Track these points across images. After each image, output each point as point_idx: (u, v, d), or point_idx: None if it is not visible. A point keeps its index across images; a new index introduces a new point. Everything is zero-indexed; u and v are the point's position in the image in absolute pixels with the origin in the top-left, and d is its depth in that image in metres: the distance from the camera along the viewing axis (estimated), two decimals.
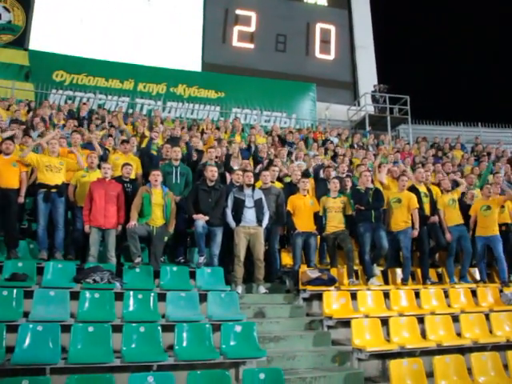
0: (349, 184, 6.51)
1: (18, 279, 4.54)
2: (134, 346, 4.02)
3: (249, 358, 4.11)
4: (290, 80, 15.36)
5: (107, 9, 14.83)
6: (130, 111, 12.65)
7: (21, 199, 5.49)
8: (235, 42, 16.23)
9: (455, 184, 7.28)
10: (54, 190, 5.46)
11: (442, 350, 4.60)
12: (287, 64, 15.95)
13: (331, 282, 5.41)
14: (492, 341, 4.97)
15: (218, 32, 16.08)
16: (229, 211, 5.59)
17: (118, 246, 5.38)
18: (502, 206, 6.54)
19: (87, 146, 7.00)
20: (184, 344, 4.13)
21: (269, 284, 5.74)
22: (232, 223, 5.54)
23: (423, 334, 4.94)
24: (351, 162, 8.79)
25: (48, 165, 5.57)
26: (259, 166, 7.43)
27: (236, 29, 16.30)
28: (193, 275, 5.31)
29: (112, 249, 5.24)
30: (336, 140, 11.35)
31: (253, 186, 5.75)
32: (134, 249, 5.10)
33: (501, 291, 6.02)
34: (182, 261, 5.73)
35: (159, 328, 4.18)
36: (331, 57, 17.03)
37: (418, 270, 6.22)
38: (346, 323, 4.89)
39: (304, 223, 5.92)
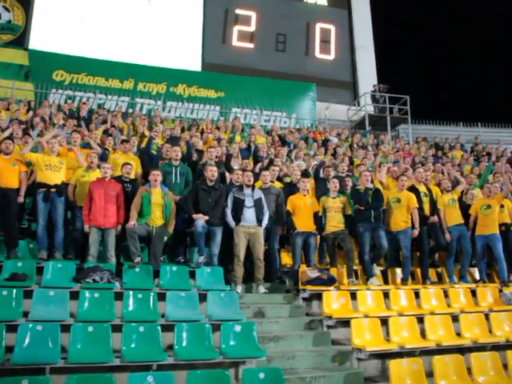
0: (349, 184, 6.51)
1: (17, 279, 4.53)
2: (133, 345, 4.02)
3: (248, 358, 4.11)
4: (290, 80, 15.37)
5: (107, 8, 14.83)
6: (130, 111, 12.63)
7: (20, 199, 5.49)
8: (235, 42, 16.23)
9: (455, 182, 7.28)
10: (53, 190, 5.46)
11: (441, 350, 4.60)
12: (287, 64, 15.96)
13: (331, 281, 5.41)
14: (491, 341, 4.97)
15: (217, 32, 16.09)
16: (228, 211, 5.59)
17: (117, 246, 5.37)
18: (502, 206, 6.54)
19: (87, 145, 7.00)
20: (184, 344, 4.13)
21: (268, 284, 5.73)
22: (232, 223, 5.54)
23: (423, 334, 4.94)
24: (351, 162, 8.79)
25: (48, 164, 5.57)
26: (259, 165, 7.42)
27: (236, 28, 16.30)
28: (192, 275, 5.31)
29: (112, 248, 5.24)
30: (336, 140, 11.35)
31: (252, 186, 5.75)
32: (133, 248, 5.10)
33: (500, 291, 6.02)
34: (182, 260, 5.73)
35: (159, 328, 4.17)
36: (331, 57, 17.04)
37: (418, 270, 6.22)
38: (345, 323, 4.89)
39: (304, 223, 5.92)
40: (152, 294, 4.69)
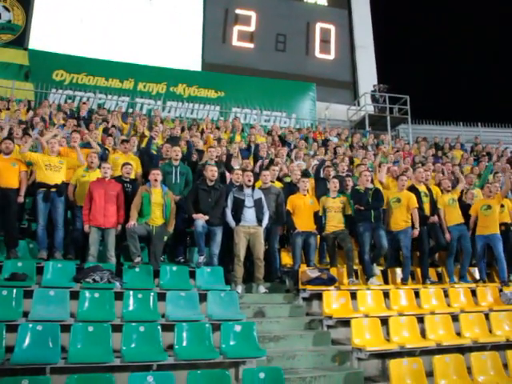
0: (350, 184, 6.50)
1: (17, 279, 4.53)
2: (133, 345, 4.02)
3: (249, 358, 4.11)
4: (290, 80, 15.36)
5: (107, 8, 14.83)
6: (130, 111, 12.63)
7: (20, 199, 5.49)
8: (235, 42, 16.23)
9: (456, 182, 7.28)
10: (53, 190, 5.46)
11: (441, 350, 4.60)
12: (287, 64, 15.95)
13: (331, 281, 5.41)
14: (492, 340, 4.97)
15: (217, 32, 16.08)
16: (228, 211, 5.59)
17: (117, 246, 5.37)
18: (502, 206, 6.54)
19: (87, 145, 7.00)
20: (184, 343, 4.13)
21: (268, 284, 5.73)
22: (232, 223, 5.54)
23: (423, 334, 4.94)
24: (351, 162, 8.79)
25: (48, 164, 5.57)
26: (259, 162, 7.40)
27: (236, 28, 16.30)
28: (192, 275, 5.31)
29: (112, 248, 5.24)
30: (336, 140, 11.35)
31: (252, 186, 5.75)
32: (133, 248, 5.10)
33: (500, 291, 6.02)
34: (182, 260, 5.73)
35: (159, 327, 4.17)
36: (331, 56, 17.03)
37: (418, 270, 6.22)
38: (345, 323, 4.89)
39: (304, 223, 5.92)
40: (152, 293, 4.68)
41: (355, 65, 17.10)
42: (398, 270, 6.07)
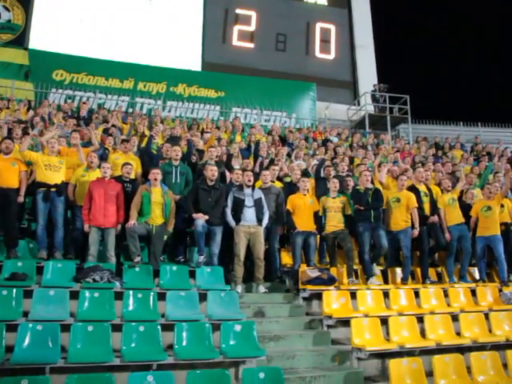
0: (351, 184, 6.50)
1: (17, 279, 4.53)
2: (133, 345, 4.02)
3: (248, 358, 4.11)
4: (290, 79, 15.36)
5: (107, 8, 14.83)
6: (130, 110, 12.63)
7: (20, 199, 5.49)
8: (235, 42, 16.23)
9: (456, 182, 7.28)
10: (53, 190, 5.46)
11: (441, 350, 4.60)
12: (287, 63, 15.95)
13: (331, 281, 5.41)
14: (491, 340, 4.97)
15: (218, 31, 16.09)
16: (228, 211, 5.59)
17: (117, 246, 5.38)
18: (502, 205, 6.54)
19: (86, 145, 7.00)
20: (184, 343, 4.13)
21: (268, 283, 5.73)
22: (232, 222, 5.54)
23: (423, 334, 4.94)
24: (351, 162, 8.78)
25: (47, 164, 5.57)
26: (259, 160, 7.39)
27: (236, 28, 16.30)
28: (192, 274, 5.31)
29: (111, 248, 5.24)
30: (336, 139, 11.35)
31: (252, 186, 5.75)
32: (133, 248, 5.10)
33: (500, 290, 6.02)
34: (182, 260, 5.73)
35: (159, 327, 4.17)
36: (331, 56, 17.03)
37: (418, 270, 6.22)
38: (345, 322, 4.90)
39: (304, 222, 5.92)
40: (152, 293, 4.69)
41: (355, 64, 17.10)
42: (398, 270, 6.07)
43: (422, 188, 6.43)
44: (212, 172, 5.66)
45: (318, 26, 17.05)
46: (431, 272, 6.29)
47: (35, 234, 5.45)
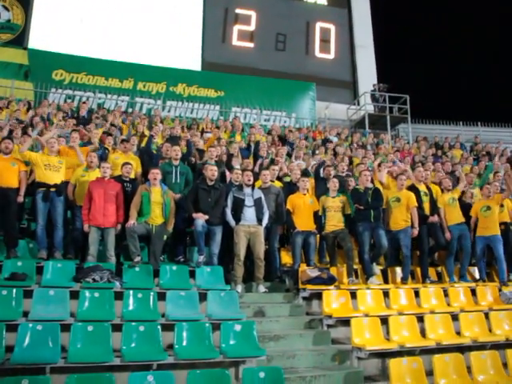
0: (352, 184, 6.50)
1: (17, 279, 4.53)
2: (133, 345, 4.02)
3: (248, 357, 4.11)
4: (290, 79, 15.36)
5: (107, 8, 14.81)
6: (130, 110, 12.63)
7: (20, 198, 5.48)
8: (235, 41, 16.22)
9: (455, 180, 7.28)
10: (52, 190, 5.45)
11: (441, 349, 4.60)
12: (287, 63, 15.95)
13: (331, 281, 5.41)
14: (491, 339, 4.98)
15: (217, 31, 16.08)
16: (228, 210, 5.59)
17: (117, 245, 5.37)
18: (502, 205, 6.54)
19: (86, 144, 7.00)
20: (184, 343, 4.13)
21: (268, 283, 5.73)
22: (232, 222, 5.54)
23: (423, 333, 4.94)
24: (351, 162, 8.78)
25: (47, 164, 5.57)
26: (259, 161, 7.40)
27: (236, 28, 16.29)
28: (192, 274, 5.31)
29: (111, 248, 5.24)
30: (336, 139, 11.35)
31: (252, 186, 5.75)
32: (133, 248, 5.10)
33: (500, 290, 6.03)
34: (182, 260, 5.72)
35: (159, 327, 4.17)
36: (331, 56, 17.03)
37: (418, 269, 6.22)
38: (345, 322, 4.90)
39: (304, 222, 5.92)
40: (152, 293, 4.68)
41: (355, 64, 17.10)
42: (398, 270, 6.07)
43: (421, 187, 6.43)
44: (212, 172, 5.66)
45: (318, 25, 17.04)
46: (431, 271, 6.29)
47: (35, 234, 5.45)
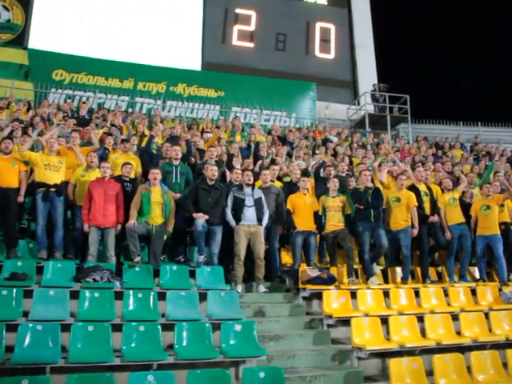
0: (353, 184, 6.50)
1: (17, 279, 4.53)
2: (133, 345, 4.02)
3: (249, 357, 4.11)
4: (290, 79, 15.35)
5: (107, 8, 14.81)
6: (130, 110, 12.63)
7: (20, 198, 5.48)
8: (235, 41, 16.22)
9: (455, 180, 7.28)
10: (52, 190, 5.45)
11: (441, 349, 4.60)
12: (287, 63, 15.95)
13: (331, 280, 5.41)
14: (491, 339, 4.98)
15: (217, 31, 16.08)
16: (228, 210, 5.59)
17: (117, 245, 5.37)
18: (502, 205, 6.54)
19: (86, 144, 7.00)
20: (184, 343, 4.13)
21: (268, 283, 5.73)
22: (232, 222, 5.54)
23: (423, 333, 4.94)
24: (351, 162, 8.78)
25: (47, 163, 5.57)
26: (259, 163, 7.41)
27: (236, 28, 16.29)
28: (192, 274, 5.31)
29: (111, 248, 5.24)
30: (336, 139, 11.35)
31: (252, 185, 5.75)
32: (133, 248, 5.10)
33: (500, 290, 6.03)
34: (182, 260, 5.72)
35: (159, 327, 4.17)
36: (331, 56, 17.03)
37: (418, 269, 6.22)
38: (345, 322, 4.90)
39: (304, 222, 5.92)
40: (152, 293, 4.69)
41: (355, 64, 17.09)
42: (398, 270, 6.07)
43: (422, 187, 6.42)
44: (212, 172, 5.66)
45: (318, 25, 17.04)
46: (431, 271, 6.29)
47: (35, 234, 5.45)
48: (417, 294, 5.63)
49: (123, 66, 13.84)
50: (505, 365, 4.50)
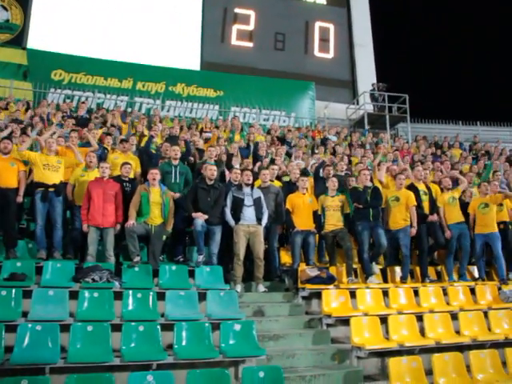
0: (353, 183, 6.50)
1: (16, 279, 4.53)
2: (133, 345, 4.02)
3: (248, 357, 4.11)
4: (289, 79, 15.36)
5: (106, 8, 14.79)
6: (129, 110, 12.62)
7: (19, 199, 5.48)
8: (234, 41, 16.21)
9: (456, 181, 7.29)
10: (51, 190, 5.45)
11: (440, 348, 4.61)
12: (286, 62, 15.94)
13: (330, 280, 5.41)
14: (490, 338, 4.98)
15: (216, 31, 16.07)
16: (228, 210, 5.59)
17: (116, 245, 5.37)
18: (501, 204, 6.55)
19: (85, 144, 6.99)
20: (183, 343, 4.14)
21: (268, 282, 5.74)
22: (231, 222, 5.54)
23: (422, 332, 4.95)
24: (350, 161, 8.79)
25: (46, 163, 5.56)
26: (258, 164, 7.42)
27: (235, 27, 16.28)
28: (192, 274, 5.31)
29: (110, 248, 5.24)
30: (335, 138, 11.36)
31: (251, 185, 5.75)
32: (132, 248, 5.10)
33: (499, 289, 6.03)
34: (181, 260, 5.72)
35: (158, 327, 4.18)
36: (330, 55, 17.02)
37: (417, 268, 6.23)
38: (345, 321, 4.90)
39: (303, 221, 5.92)
40: (151, 293, 4.69)
41: (354, 63, 17.09)
42: (398, 269, 6.07)
43: (421, 187, 6.43)
44: (211, 171, 5.66)
45: (317, 25, 17.03)
46: (430, 271, 6.29)
47: (34, 234, 5.44)
48: (416, 293, 5.63)
49: (122, 65, 13.82)
50: (504, 364, 4.51)
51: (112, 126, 8.95)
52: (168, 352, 3.99)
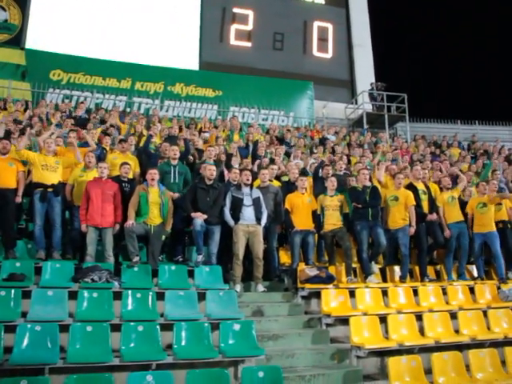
0: (353, 183, 6.50)
1: (15, 279, 4.53)
2: (132, 345, 4.02)
3: (248, 357, 4.11)
4: (288, 78, 15.34)
5: (104, 8, 14.77)
6: (128, 110, 12.60)
7: (18, 199, 5.47)
8: (232, 41, 16.19)
9: (455, 180, 7.30)
10: (50, 190, 5.44)
11: (440, 347, 4.62)
12: (285, 62, 15.94)
13: (329, 279, 5.42)
14: (490, 337, 4.99)
15: (215, 31, 16.05)
16: (227, 210, 5.59)
17: (115, 246, 5.37)
18: (500, 204, 6.55)
19: (84, 145, 6.98)
20: (183, 343, 4.13)
21: (267, 282, 5.74)
22: (230, 221, 5.54)
23: (421, 331, 4.95)
24: (349, 161, 8.79)
25: (44, 164, 5.56)
26: (257, 162, 7.42)
27: (233, 27, 16.26)
28: (191, 274, 5.31)
29: (109, 248, 5.24)
30: (333, 138, 11.36)
31: (251, 185, 5.75)
32: (131, 248, 5.09)
33: (498, 288, 6.04)
34: (181, 259, 5.72)
35: (158, 327, 4.17)
36: (329, 55, 17.02)
37: (416, 268, 6.23)
38: (344, 321, 4.90)
39: (302, 221, 5.92)
40: (151, 293, 4.68)
41: (353, 63, 17.09)
42: (397, 268, 6.08)
43: (420, 186, 6.44)
44: (210, 171, 5.66)
45: (316, 24, 17.03)
46: (430, 270, 6.30)
47: (33, 235, 5.44)
48: (415, 292, 5.64)
49: (121, 65, 13.79)
50: (503, 363, 4.52)
51: (111, 126, 8.94)
52: (167, 352, 3.99)
